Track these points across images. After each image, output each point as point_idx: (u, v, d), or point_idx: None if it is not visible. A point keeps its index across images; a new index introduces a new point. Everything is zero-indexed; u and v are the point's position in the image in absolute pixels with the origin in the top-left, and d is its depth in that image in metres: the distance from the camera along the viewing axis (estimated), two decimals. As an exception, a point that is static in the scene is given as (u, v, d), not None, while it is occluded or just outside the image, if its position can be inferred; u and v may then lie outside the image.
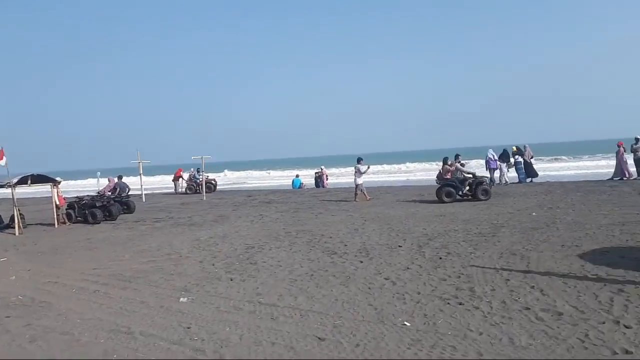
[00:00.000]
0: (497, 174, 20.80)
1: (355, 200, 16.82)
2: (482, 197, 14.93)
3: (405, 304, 5.34)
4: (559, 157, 50.21)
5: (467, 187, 15.23)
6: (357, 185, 17.09)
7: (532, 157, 21.39)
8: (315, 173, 28.33)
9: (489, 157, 21.15)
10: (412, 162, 53.49)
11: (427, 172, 39.27)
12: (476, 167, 35.67)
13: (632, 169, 19.32)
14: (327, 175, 28.04)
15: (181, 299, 6.08)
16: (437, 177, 16.36)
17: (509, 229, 9.55)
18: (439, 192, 15.35)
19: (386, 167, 47.74)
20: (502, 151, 21.26)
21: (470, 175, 15.71)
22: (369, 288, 6.03)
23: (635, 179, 18.81)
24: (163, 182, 44.63)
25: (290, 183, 27.79)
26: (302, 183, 27.02)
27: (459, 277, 6.31)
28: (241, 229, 11.80)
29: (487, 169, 21.30)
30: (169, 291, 6.51)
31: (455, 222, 10.89)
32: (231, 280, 6.88)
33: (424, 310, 5.06)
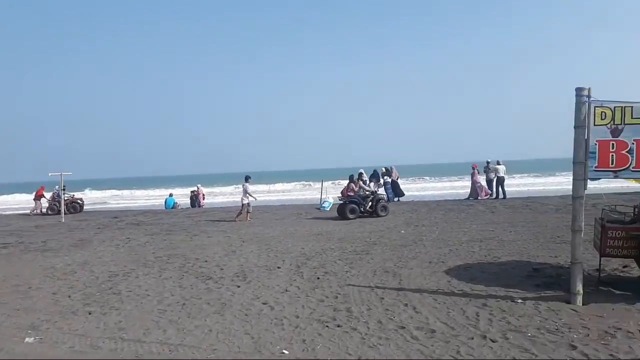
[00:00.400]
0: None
1: (235, 220, 16.38)
2: (381, 214, 15.89)
3: (283, 329, 5.14)
4: (422, 177, 54.45)
5: (369, 204, 16.03)
6: (243, 205, 16.72)
7: (398, 178, 22.84)
8: (191, 192, 27.17)
9: None
10: (290, 182, 54.07)
11: (301, 192, 40.01)
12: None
13: (485, 189, 21.49)
14: (203, 194, 27.05)
15: (27, 339, 5.23)
16: (341, 193, 17.03)
17: (380, 247, 9.90)
18: (342, 209, 15.93)
19: (263, 186, 47.67)
20: (372, 172, 22.38)
21: (370, 193, 16.60)
22: (246, 315, 5.74)
23: (487, 198, 20.93)
24: (16, 202, 39.72)
25: (163, 203, 26.30)
26: (176, 203, 25.70)
27: (337, 297, 6.30)
28: (104, 254, 10.73)
29: None
30: (12, 330, 5.58)
31: (332, 240, 11.05)
32: (89, 314, 6.11)
33: (302, 336, 4.91)
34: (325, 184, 24.07)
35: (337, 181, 45.29)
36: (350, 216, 15.55)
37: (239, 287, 7.13)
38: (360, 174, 17.76)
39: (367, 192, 16.63)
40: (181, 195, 32.38)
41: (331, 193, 25.85)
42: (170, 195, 27.10)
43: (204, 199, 26.52)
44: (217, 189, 47.95)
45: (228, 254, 9.90)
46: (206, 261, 9.26)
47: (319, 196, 22.51)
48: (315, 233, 12.42)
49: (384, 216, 15.77)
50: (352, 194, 16.53)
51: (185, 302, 6.47)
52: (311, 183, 48.69)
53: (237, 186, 49.92)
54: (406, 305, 5.76)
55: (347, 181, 17.49)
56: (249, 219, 16.41)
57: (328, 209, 18.95)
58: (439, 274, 7.30)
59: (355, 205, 15.79)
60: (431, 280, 6.92)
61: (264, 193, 39.25)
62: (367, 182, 21.84)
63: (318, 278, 7.38)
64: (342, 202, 16.36)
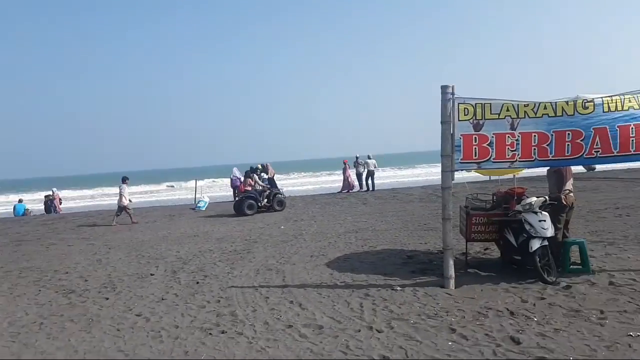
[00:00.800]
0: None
1: (134, 223, 15.15)
2: (277, 208, 15.99)
3: (162, 342, 4.72)
4: (297, 172, 55.36)
5: (266, 199, 15.99)
6: (121, 207, 15.38)
7: (274, 174, 22.90)
8: (45, 197, 24.36)
9: (233, 176, 22.08)
10: (157, 184, 50.69)
11: (171, 193, 38.19)
12: (222, 185, 36.42)
13: (356, 182, 22.46)
14: (60, 199, 24.41)
15: None
16: (237, 189, 16.76)
17: (262, 244, 9.74)
18: (239, 205, 15.55)
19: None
20: (249, 168, 22.15)
21: (267, 188, 16.48)
22: (118, 330, 5.18)
23: (358, 191, 21.88)
24: None
25: (11, 210, 23.24)
26: (28, 209, 22.84)
27: (219, 301, 5.99)
28: (-64, 274, 9.06)
29: (231, 186, 22.37)
30: None
31: (210, 241, 10.60)
32: None
33: (184, 347, 4.54)
34: (200, 183, 23.23)
35: (211, 179, 44.19)
36: (248, 212, 15.32)
37: (107, 299, 6.45)
38: (256, 169, 17.51)
39: (264, 187, 16.44)
40: (33, 201, 29.01)
41: (206, 192, 25.06)
42: (20, 201, 24.03)
43: (60, 204, 23.97)
44: (76, 193, 43.81)
45: (92, 264, 8.97)
46: (67, 273, 8.27)
47: (193, 196, 21.66)
48: (191, 235, 11.84)
49: (280, 210, 15.89)
50: (249, 188, 16.20)
51: (43, 321, 5.66)
52: (182, 183, 46.54)
53: (98, 189, 46.24)
54: (292, 302, 5.66)
55: (250, 175, 16.98)
56: (114, 223, 15.18)
57: (204, 209, 18.29)
58: (321, 267, 7.35)
59: (252, 201, 15.58)
60: (314, 275, 6.93)
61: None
62: (239, 179, 21.71)
63: (197, 282, 6.97)
64: (239, 198, 15.98)
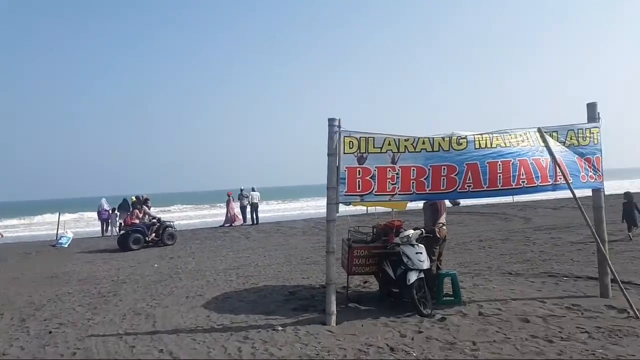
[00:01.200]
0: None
1: None
2: (168, 242, 14.88)
3: (-5, 411, 3.90)
4: (176, 205, 52.78)
5: (154, 233, 14.85)
6: None
7: (151, 207, 21.61)
8: None
9: (102, 207, 20.59)
10: (7, 219, 44.28)
11: (28, 227, 34.02)
12: (89, 219, 33.29)
13: (240, 215, 21.97)
14: None
15: None
16: (124, 222, 15.34)
17: (131, 285, 8.87)
18: (124, 239, 14.28)
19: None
20: (122, 201, 20.66)
21: (156, 220, 15.30)
22: (-63, 399, 4.21)
23: (241, 225, 21.38)
24: None
25: None
26: None
27: (75, 353, 5.19)
28: None
29: (98, 219, 20.94)
30: None
31: (70, 283, 9.41)
32: None
33: (24, 415, 3.79)
34: (64, 217, 21.04)
35: (77, 213, 40.27)
36: (134, 247, 14.13)
37: None
38: (146, 200, 16.22)
39: (154, 220, 15.29)
40: None
41: (70, 227, 22.81)
42: None
43: None
44: None
45: None
46: None
47: (55, 231, 19.48)
48: (49, 275, 10.45)
49: (171, 245, 14.84)
50: (137, 221, 14.81)
51: None
52: (34, 217, 41.53)
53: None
54: (161, 351, 5.08)
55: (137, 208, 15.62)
56: None
57: (66, 246, 16.47)
58: (197, 309, 6.81)
59: (139, 235, 14.38)
60: (189, 318, 6.37)
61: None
62: (108, 211, 20.25)
63: (50, 332, 6.02)
64: (124, 231, 14.69)
